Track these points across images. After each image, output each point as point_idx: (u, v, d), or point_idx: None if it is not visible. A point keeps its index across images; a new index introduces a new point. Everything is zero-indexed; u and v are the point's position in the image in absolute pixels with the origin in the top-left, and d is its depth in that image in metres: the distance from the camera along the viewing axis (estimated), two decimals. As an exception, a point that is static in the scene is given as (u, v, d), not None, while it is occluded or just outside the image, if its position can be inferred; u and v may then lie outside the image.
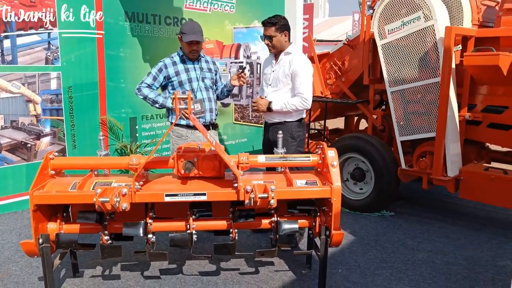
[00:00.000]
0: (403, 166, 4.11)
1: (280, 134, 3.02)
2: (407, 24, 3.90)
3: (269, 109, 3.45)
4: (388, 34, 4.03)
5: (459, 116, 3.85)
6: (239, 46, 5.95)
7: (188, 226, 2.69)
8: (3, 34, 3.97)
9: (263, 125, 4.00)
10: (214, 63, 3.69)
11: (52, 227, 2.61)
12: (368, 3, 4.54)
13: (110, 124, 4.76)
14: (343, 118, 5.80)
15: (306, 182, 2.68)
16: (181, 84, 3.41)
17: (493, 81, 3.70)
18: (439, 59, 3.70)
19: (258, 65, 5.83)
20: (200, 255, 3.12)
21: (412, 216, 4.25)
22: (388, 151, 4.22)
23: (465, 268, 3.21)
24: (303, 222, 2.79)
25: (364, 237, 3.74)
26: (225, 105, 6.15)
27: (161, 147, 5.25)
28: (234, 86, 3.62)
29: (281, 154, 2.94)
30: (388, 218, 4.20)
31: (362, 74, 4.55)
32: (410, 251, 3.48)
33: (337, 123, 6.07)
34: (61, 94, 4.42)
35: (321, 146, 2.78)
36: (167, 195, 2.47)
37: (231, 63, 5.89)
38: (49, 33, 4.23)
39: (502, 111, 3.73)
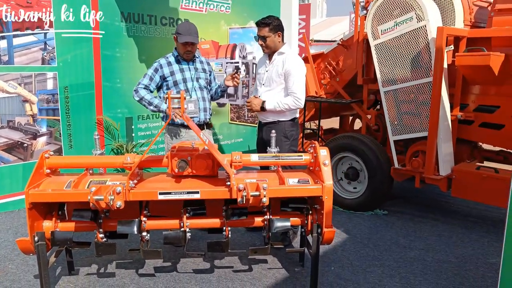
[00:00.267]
0: (396, 165, 4.15)
1: (273, 133, 3.05)
2: (399, 24, 3.94)
3: (262, 109, 3.49)
4: (381, 34, 4.07)
5: (451, 115, 3.90)
6: (234, 46, 5.99)
7: (182, 224, 2.72)
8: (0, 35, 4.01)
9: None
10: (208, 64, 3.72)
11: (48, 225, 2.64)
12: (361, 3, 4.58)
13: (106, 124, 4.79)
14: (338, 118, 5.84)
15: (299, 181, 2.73)
16: (175, 84, 3.44)
17: (485, 81, 3.76)
18: (431, 59, 3.75)
19: (254, 65, 5.86)
20: (194, 253, 3.16)
21: (405, 215, 4.30)
22: (382, 151, 4.26)
23: (456, 265, 3.26)
24: (295, 220, 2.83)
25: (357, 235, 3.78)
26: (221, 105, 6.19)
27: (156, 146, 5.29)
28: (228, 86, 3.65)
29: (274, 153, 2.98)
30: (381, 217, 4.24)
31: (356, 74, 4.60)
32: (402, 249, 3.52)
33: (332, 123, 6.12)
34: (57, 94, 4.45)
35: (313, 145, 2.82)
36: (161, 193, 2.51)
37: (226, 63, 5.93)
38: (45, 34, 4.26)
39: (494, 110, 3.78)
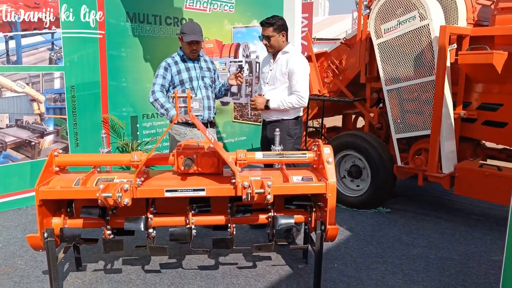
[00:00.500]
0: (399, 163, 4.18)
1: (277, 132, 3.09)
2: (402, 23, 3.96)
3: (266, 107, 3.53)
4: (384, 33, 4.10)
5: (454, 113, 3.91)
6: (238, 45, 6.01)
7: (187, 221, 2.77)
8: (8, 35, 4.06)
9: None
10: (212, 63, 3.77)
11: (57, 221, 2.69)
12: (364, 2, 4.61)
13: (112, 123, 4.85)
14: (341, 116, 5.87)
15: (302, 178, 2.76)
16: (182, 83, 3.49)
17: (488, 79, 3.77)
18: (434, 58, 3.77)
19: (257, 64, 5.90)
20: (199, 249, 3.20)
21: (407, 213, 4.33)
22: (385, 149, 4.29)
23: (459, 262, 3.29)
24: (299, 217, 2.87)
25: (360, 233, 3.82)
26: (225, 104, 6.23)
27: (161, 144, 5.34)
28: (231, 85, 3.70)
29: (278, 151, 3.02)
30: (384, 215, 4.27)
31: (359, 72, 4.63)
32: (405, 247, 3.55)
33: (335, 121, 6.15)
34: (64, 93, 4.51)
35: (317, 143, 2.85)
36: (167, 191, 2.56)
37: (230, 62, 5.96)
38: (52, 34, 4.32)
39: (497, 108, 3.80)
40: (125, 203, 2.45)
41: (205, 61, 3.70)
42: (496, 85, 3.79)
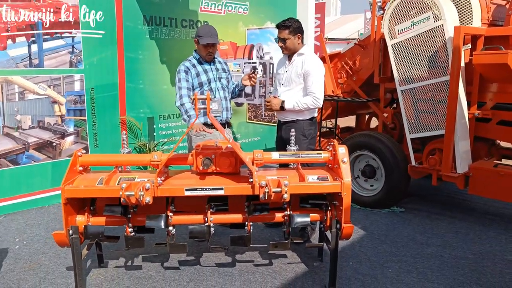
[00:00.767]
0: (413, 163, 4.21)
1: (292, 132, 3.15)
2: (416, 24, 3.99)
3: (282, 108, 3.59)
4: (398, 34, 4.13)
5: (468, 113, 3.92)
6: (252, 46, 6.09)
7: (206, 219, 2.84)
8: (31, 39, 4.20)
9: (275, 124, 4.14)
10: (226, 64, 3.85)
11: (81, 219, 2.79)
12: (378, 3, 4.65)
13: (130, 124, 4.96)
14: (354, 116, 5.91)
15: (318, 178, 2.82)
16: (201, 85, 3.57)
17: (502, 79, 3.77)
18: (448, 58, 3.79)
19: (271, 65, 5.96)
20: (217, 247, 3.28)
21: (421, 212, 4.35)
22: (398, 149, 4.32)
23: (473, 261, 3.31)
24: (314, 215, 2.92)
25: (374, 232, 3.86)
26: (239, 105, 6.31)
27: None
28: (245, 86, 3.78)
29: (294, 151, 3.08)
30: (398, 214, 4.30)
31: (372, 73, 4.66)
32: (420, 246, 3.58)
33: (348, 121, 6.18)
34: (84, 95, 4.64)
35: (332, 143, 2.91)
36: (187, 190, 2.64)
37: (244, 63, 6.04)
38: (73, 37, 4.45)
39: (511, 108, 3.81)
40: (146, 202, 2.53)
41: (220, 62, 3.78)
42: (510, 85, 3.79)
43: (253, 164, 2.76)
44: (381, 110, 4.74)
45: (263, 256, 3.37)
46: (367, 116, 5.81)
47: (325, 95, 4.93)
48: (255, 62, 6.00)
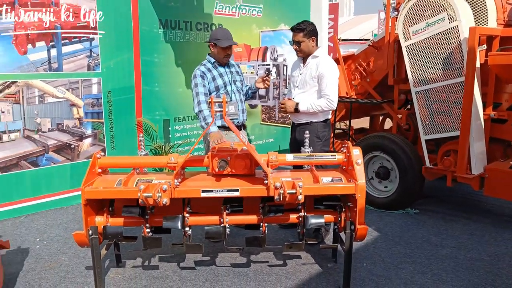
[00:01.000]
0: (428, 164, 4.20)
1: (306, 134, 3.18)
2: (431, 25, 3.98)
3: (296, 110, 3.62)
4: (413, 35, 4.12)
5: (484, 114, 3.91)
6: (266, 49, 6.14)
7: (221, 220, 2.89)
8: (50, 44, 4.31)
9: (289, 126, 4.17)
10: (239, 66, 3.89)
11: (100, 220, 2.86)
12: (392, 5, 4.65)
13: (146, 126, 5.05)
14: (368, 117, 5.90)
15: (332, 179, 2.84)
16: (217, 89, 3.60)
17: (518, 80, 3.76)
18: (463, 59, 3.77)
19: (285, 67, 6.00)
20: (233, 247, 3.33)
21: (436, 214, 4.34)
22: (413, 150, 4.31)
23: (489, 263, 3.29)
24: (329, 217, 2.95)
25: (388, 234, 3.86)
26: (253, 107, 6.36)
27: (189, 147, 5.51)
28: (258, 88, 3.81)
29: (308, 153, 3.11)
30: (412, 216, 4.29)
31: (387, 74, 4.66)
32: (434, 247, 3.58)
33: (362, 123, 6.17)
34: (101, 98, 4.74)
35: (346, 145, 2.93)
36: (203, 191, 2.69)
37: (258, 65, 6.09)
38: (90, 42, 4.55)
39: (527, 109, 3.78)
40: (164, 203, 2.59)
41: (233, 65, 3.82)
42: (527, 85, 3.77)
43: (268, 166, 2.79)
44: (395, 111, 4.73)
45: (277, 256, 3.41)
46: (381, 118, 5.80)
47: (339, 97, 4.96)
48: (268, 64, 6.05)
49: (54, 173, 4.55)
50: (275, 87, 6.13)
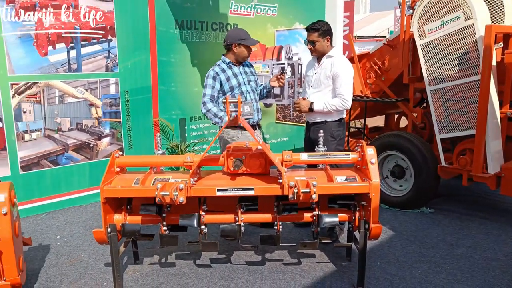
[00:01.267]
0: (443, 163, 4.17)
1: (321, 133, 3.20)
2: (446, 23, 3.96)
3: (310, 110, 3.64)
4: (428, 33, 4.10)
5: (500, 113, 3.87)
6: (281, 48, 6.16)
7: (236, 218, 2.94)
8: (70, 45, 4.42)
9: (303, 124, 4.19)
10: (252, 66, 3.92)
11: (118, 218, 2.94)
12: (408, 3, 4.62)
13: (162, 125, 5.13)
14: (383, 116, 5.88)
15: (346, 178, 2.86)
16: (232, 89, 3.64)
17: (536, 78, 3.71)
18: (479, 57, 3.74)
19: (299, 66, 6.01)
20: (248, 245, 3.37)
21: (452, 213, 4.31)
22: (428, 149, 4.29)
23: (505, 263, 3.27)
24: (343, 216, 2.97)
25: (403, 233, 3.86)
26: (268, 105, 6.39)
27: (203, 146, 5.57)
28: (273, 86, 3.85)
29: (322, 152, 3.13)
30: (427, 215, 4.27)
31: (402, 73, 4.65)
32: (449, 246, 3.56)
33: (377, 121, 6.15)
34: (119, 98, 4.83)
35: (360, 144, 2.94)
36: (218, 190, 2.74)
37: (273, 64, 6.12)
38: (108, 43, 4.64)
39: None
40: (180, 201, 2.64)
41: (247, 65, 3.85)
42: (545, 83, 3.72)
43: (282, 165, 2.82)
44: (410, 110, 4.71)
45: (292, 255, 3.44)
46: (396, 116, 5.77)
47: (353, 95, 4.96)
48: (283, 63, 6.06)
49: (74, 171, 4.66)
50: (290, 86, 6.15)
